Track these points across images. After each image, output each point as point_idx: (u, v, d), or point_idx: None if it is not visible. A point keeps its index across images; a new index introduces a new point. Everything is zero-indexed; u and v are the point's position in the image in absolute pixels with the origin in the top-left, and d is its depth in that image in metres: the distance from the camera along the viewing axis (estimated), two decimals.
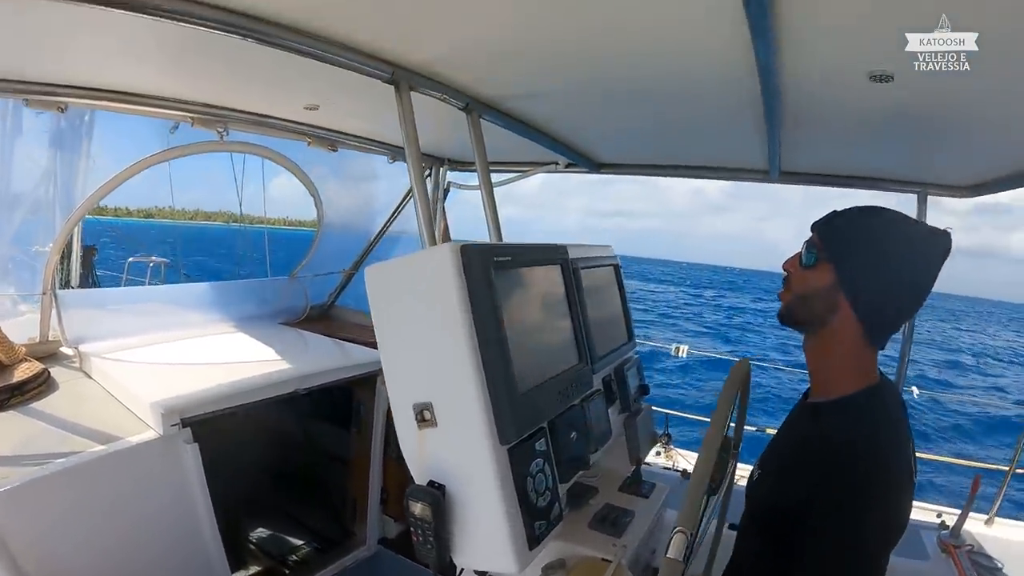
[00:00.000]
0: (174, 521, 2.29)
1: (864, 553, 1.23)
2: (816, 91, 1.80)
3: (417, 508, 1.46)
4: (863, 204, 1.46)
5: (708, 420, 1.83)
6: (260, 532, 3.27)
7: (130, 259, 5.98)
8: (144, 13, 1.40)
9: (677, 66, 1.72)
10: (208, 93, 2.55)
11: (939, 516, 3.38)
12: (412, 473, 1.55)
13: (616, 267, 2.55)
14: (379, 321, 1.55)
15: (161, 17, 1.42)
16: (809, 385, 1.56)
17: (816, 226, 1.47)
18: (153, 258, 5.97)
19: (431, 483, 1.48)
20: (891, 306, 1.38)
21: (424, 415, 1.48)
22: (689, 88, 1.92)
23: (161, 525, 2.25)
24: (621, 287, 2.56)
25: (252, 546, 3.18)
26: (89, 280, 5.74)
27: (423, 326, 1.48)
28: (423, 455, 1.51)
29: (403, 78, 1.91)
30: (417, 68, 1.95)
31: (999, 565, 3.04)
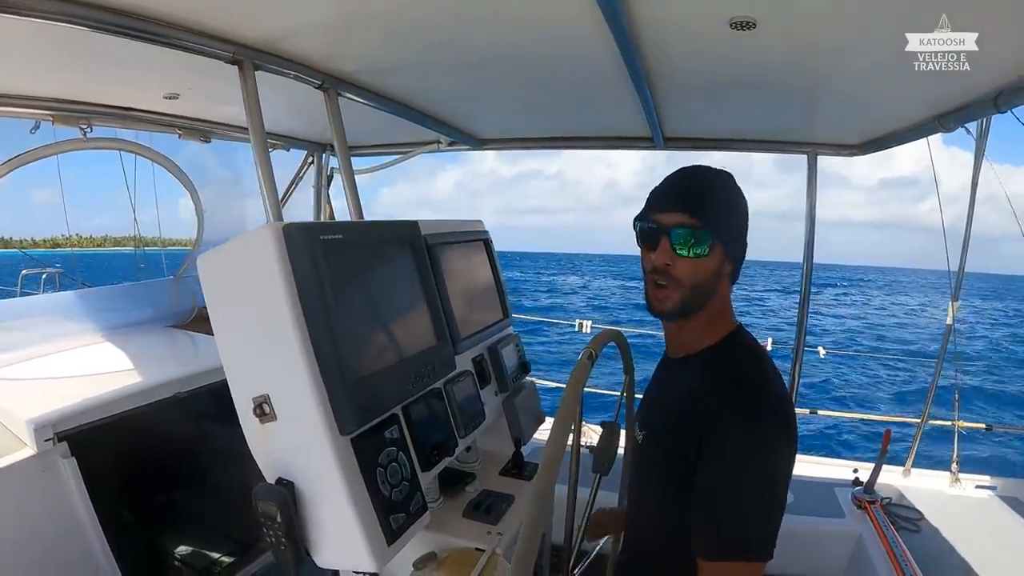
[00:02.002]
0: (59, 542, 2.16)
1: (770, 462, 1.19)
2: (676, 44, 1.75)
3: (265, 508, 1.39)
4: (719, 167, 1.39)
5: (616, 394, 1.79)
6: (180, 544, 3.14)
7: (23, 272, 5.75)
8: None
9: (527, 27, 1.66)
10: (65, 88, 2.41)
11: (855, 471, 3.44)
12: (261, 470, 1.47)
13: (486, 242, 2.47)
14: (213, 311, 1.46)
15: None
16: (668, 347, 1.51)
17: (686, 205, 1.31)
18: (47, 269, 5.73)
19: (279, 480, 1.41)
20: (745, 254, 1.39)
21: (263, 408, 1.40)
22: (549, 51, 1.86)
23: (44, 547, 2.12)
24: (493, 262, 2.49)
25: (177, 562, 3.05)
26: None
27: (253, 313, 1.40)
28: (267, 451, 1.44)
29: (246, 57, 1.81)
30: (262, 46, 1.85)
31: (917, 515, 3.11)
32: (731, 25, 1.53)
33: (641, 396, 1.61)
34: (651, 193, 1.39)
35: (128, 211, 3.94)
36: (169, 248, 4.66)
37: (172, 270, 4.13)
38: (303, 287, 1.35)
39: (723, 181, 1.34)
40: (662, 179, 1.39)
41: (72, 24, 1.46)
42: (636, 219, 1.39)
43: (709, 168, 1.35)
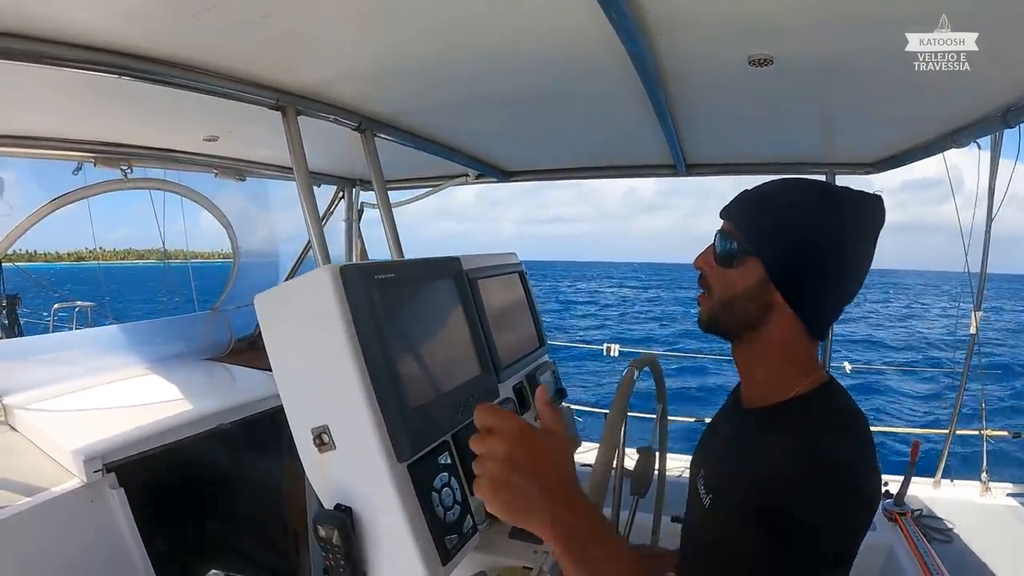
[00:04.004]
0: (108, 572, 2.22)
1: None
2: (697, 78, 1.82)
3: (325, 533, 1.45)
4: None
5: (652, 416, 1.85)
6: (222, 573, 3.19)
7: (55, 305, 5.84)
8: (31, 62, 1.40)
9: (554, 64, 1.72)
10: (107, 132, 2.51)
11: (885, 484, 3.44)
12: (319, 497, 1.53)
13: (521, 273, 2.55)
14: (272, 348, 1.53)
15: (47, 64, 1.42)
16: (740, 391, 1.33)
17: (730, 213, 1.22)
18: (78, 303, 5.83)
19: (338, 506, 1.47)
20: (831, 293, 1.15)
21: (322, 439, 1.47)
22: (574, 86, 1.93)
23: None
24: (528, 293, 2.56)
25: None
26: (14, 330, 5.62)
27: (312, 349, 1.47)
28: (326, 479, 1.50)
29: (289, 103, 1.91)
30: (303, 92, 1.94)
31: (949, 526, 3.12)
32: (749, 62, 1.60)
33: (704, 437, 1.46)
34: None
35: (151, 220, 4.02)
36: (194, 261, 4.75)
37: (200, 285, 4.22)
38: (360, 324, 1.42)
39: (790, 198, 1.16)
40: None
41: (122, 76, 1.55)
42: None
43: (790, 181, 1.21)
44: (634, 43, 1.42)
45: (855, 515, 1.00)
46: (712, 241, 1.24)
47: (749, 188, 1.24)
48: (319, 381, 1.47)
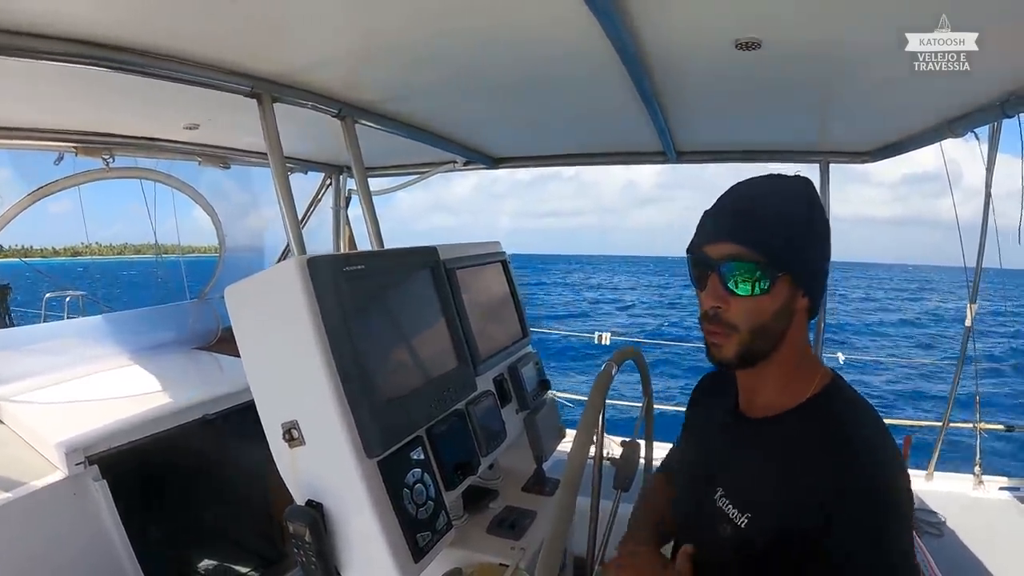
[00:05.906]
0: (92, 564, 2.21)
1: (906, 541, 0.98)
2: (683, 64, 1.78)
3: (296, 529, 1.43)
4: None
5: (639, 405, 1.82)
6: (207, 563, 3.18)
7: (47, 295, 5.80)
8: (5, 55, 1.39)
9: (538, 51, 1.69)
10: (88, 121, 2.48)
11: None
12: (291, 493, 1.51)
13: (504, 263, 2.51)
14: (241, 340, 1.51)
15: (23, 57, 1.41)
16: (739, 400, 1.25)
17: (737, 234, 1.07)
18: (69, 291, 5.79)
19: (309, 502, 1.45)
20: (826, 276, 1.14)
21: (292, 434, 1.45)
22: (560, 73, 1.90)
23: (76, 568, 2.16)
24: (511, 282, 2.53)
25: None
26: (5, 320, 5.58)
27: (280, 343, 1.45)
28: (297, 474, 1.48)
29: (264, 90, 1.87)
30: (279, 79, 1.91)
31: (941, 518, 3.10)
32: (736, 46, 1.56)
33: (703, 450, 1.35)
34: (703, 216, 1.16)
35: (145, 217, 4.00)
36: (188, 256, 4.72)
37: (191, 277, 4.19)
38: (328, 317, 1.39)
39: (786, 196, 1.09)
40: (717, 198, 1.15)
41: (96, 67, 1.52)
42: (687, 250, 1.16)
43: (769, 179, 1.13)
44: (615, 28, 1.39)
45: (897, 499, 0.98)
46: (710, 270, 1.10)
47: (728, 200, 1.13)
48: (287, 375, 1.45)
